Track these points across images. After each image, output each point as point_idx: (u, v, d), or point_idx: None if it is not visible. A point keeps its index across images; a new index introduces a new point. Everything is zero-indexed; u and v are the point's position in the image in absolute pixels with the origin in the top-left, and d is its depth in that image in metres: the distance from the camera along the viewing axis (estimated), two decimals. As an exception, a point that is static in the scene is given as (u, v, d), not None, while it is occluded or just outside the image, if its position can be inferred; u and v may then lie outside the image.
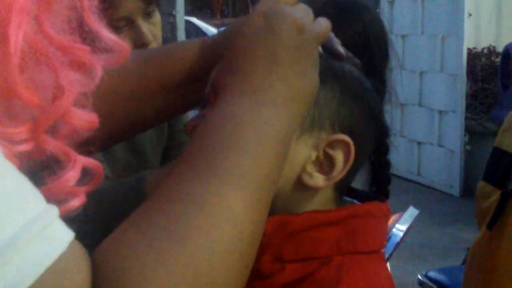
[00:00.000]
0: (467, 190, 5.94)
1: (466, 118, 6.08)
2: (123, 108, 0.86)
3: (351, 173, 0.83)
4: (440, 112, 6.26)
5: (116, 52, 0.65)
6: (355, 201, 0.90)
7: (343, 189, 0.87)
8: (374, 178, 1.04)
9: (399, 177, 6.14)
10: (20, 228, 0.50)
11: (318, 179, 0.79)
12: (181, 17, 4.37)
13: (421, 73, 6.44)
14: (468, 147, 6.06)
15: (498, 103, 6.26)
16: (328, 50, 0.82)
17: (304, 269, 0.79)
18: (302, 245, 0.79)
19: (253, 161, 0.64)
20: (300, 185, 0.79)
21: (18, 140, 0.57)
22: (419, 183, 6.36)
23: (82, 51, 0.60)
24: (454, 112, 6.06)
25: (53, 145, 0.60)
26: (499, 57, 6.29)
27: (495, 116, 6.10)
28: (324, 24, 0.76)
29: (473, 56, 6.35)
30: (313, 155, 0.79)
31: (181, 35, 4.31)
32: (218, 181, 0.61)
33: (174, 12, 4.24)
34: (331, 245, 0.80)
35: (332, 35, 0.83)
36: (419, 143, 6.54)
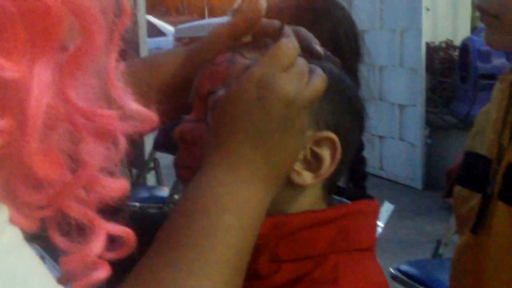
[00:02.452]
0: (429, 183, 6.02)
1: (426, 111, 6.16)
2: None
3: (339, 170, 0.83)
4: (401, 106, 6.33)
5: (142, 121, 0.62)
6: (344, 199, 0.90)
7: (332, 187, 0.87)
8: (351, 175, 1.05)
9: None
10: None
11: (306, 177, 0.80)
12: (142, 15, 4.34)
13: (381, 68, 6.50)
14: (429, 141, 6.14)
15: (457, 96, 6.36)
16: (306, 50, 0.82)
17: (300, 269, 0.79)
18: (297, 245, 0.80)
19: (237, 250, 0.68)
20: (289, 184, 0.79)
21: (38, 206, 0.56)
22: (382, 177, 6.43)
23: (108, 118, 0.56)
24: (414, 106, 6.14)
25: (77, 212, 0.58)
26: (457, 50, 6.39)
27: (454, 109, 6.20)
28: (318, 86, 0.74)
29: (431, 50, 6.43)
30: (301, 153, 0.79)
31: (143, 33, 4.28)
32: (206, 272, 0.66)
33: (135, 11, 4.21)
34: (326, 243, 0.80)
35: (310, 35, 0.85)
36: (380, 138, 6.60)
